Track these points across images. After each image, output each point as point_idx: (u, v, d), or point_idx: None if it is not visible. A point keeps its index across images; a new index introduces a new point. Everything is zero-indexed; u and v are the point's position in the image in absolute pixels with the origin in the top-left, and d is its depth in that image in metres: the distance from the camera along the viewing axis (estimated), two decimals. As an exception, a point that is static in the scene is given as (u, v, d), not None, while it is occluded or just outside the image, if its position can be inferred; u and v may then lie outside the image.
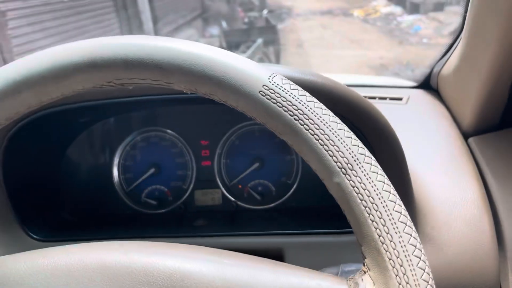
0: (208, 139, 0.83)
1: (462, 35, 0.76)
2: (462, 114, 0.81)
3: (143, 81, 0.40)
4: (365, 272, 0.39)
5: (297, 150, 0.40)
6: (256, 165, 0.81)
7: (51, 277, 0.39)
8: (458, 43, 0.84)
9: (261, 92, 0.38)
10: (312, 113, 0.39)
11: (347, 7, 8.95)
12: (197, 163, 0.83)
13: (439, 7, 6.95)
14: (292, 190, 0.81)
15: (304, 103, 0.39)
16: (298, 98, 0.39)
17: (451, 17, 6.40)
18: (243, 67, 0.39)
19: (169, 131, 0.83)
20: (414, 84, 1.04)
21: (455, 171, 0.70)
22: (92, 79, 0.40)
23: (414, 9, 7.31)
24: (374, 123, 0.58)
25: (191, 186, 0.84)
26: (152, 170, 0.83)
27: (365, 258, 0.39)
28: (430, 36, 6.27)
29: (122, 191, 0.84)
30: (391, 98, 0.95)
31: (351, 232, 0.66)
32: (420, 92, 0.98)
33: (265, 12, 6.81)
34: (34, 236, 0.73)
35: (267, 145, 0.82)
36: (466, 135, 0.79)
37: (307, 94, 0.40)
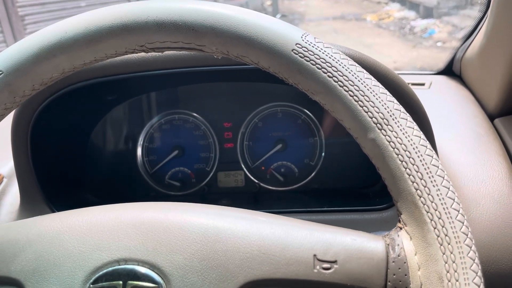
0: (231, 121, 0.83)
1: (489, 14, 0.75)
2: (488, 96, 0.80)
3: (175, 44, 0.41)
4: (400, 228, 0.39)
5: (331, 109, 0.40)
6: (279, 146, 0.81)
7: (86, 233, 0.40)
8: (481, 26, 0.84)
9: (294, 51, 0.38)
10: (346, 69, 0.39)
11: (360, 12, 8.94)
12: (220, 145, 0.84)
13: (453, 11, 6.91)
14: (315, 171, 0.81)
15: (338, 60, 0.39)
16: (332, 55, 0.39)
17: (465, 20, 6.35)
18: (275, 27, 0.39)
19: (192, 113, 0.84)
20: (435, 71, 1.03)
21: (482, 150, 0.70)
22: (125, 42, 0.41)
23: (428, 13, 7.27)
24: (403, 94, 0.58)
25: (214, 168, 0.84)
26: (175, 152, 0.84)
27: (401, 213, 0.39)
28: (444, 40, 6.23)
29: (145, 173, 0.85)
30: (413, 84, 0.94)
31: (375, 210, 0.66)
32: (442, 78, 0.97)
33: (277, 17, 6.85)
34: None
35: (290, 126, 0.82)
36: (492, 117, 0.79)
37: (340, 52, 0.40)
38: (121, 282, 0.38)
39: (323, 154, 0.81)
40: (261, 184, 0.82)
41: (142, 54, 0.62)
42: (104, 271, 0.38)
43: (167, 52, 0.62)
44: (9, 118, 0.97)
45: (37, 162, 0.69)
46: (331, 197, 0.77)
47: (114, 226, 0.40)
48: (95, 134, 0.81)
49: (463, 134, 0.74)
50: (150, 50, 0.42)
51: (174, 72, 0.65)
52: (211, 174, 0.84)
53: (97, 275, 0.38)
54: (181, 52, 0.62)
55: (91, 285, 0.38)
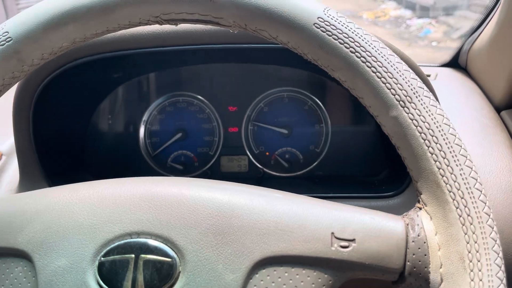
0: (236, 105, 0.82)
1: (501, 5, 0.75)
2: (495, 88, 0.80)
3: (191, 16, 0.39)
4: (420, 208, 0.39)
5: (351, 85, 0.39)
6: (284, 132, 0.80)
7: (97, 205, 0.39)
8: (491, 18, 0.83)
9: (315, 25, 0.37)
10: (369, 45, 0.38)
11: (356, 9, 8.94)
12: (224, 129, 0.83)
13: (449, 11, 6.94)
14: (320, 158, 0.81)
15: (361, 35, 0.38)
16: (355, 30, 0.38)
17: (461, 21, 6.38)
18: (296, 0, 0.38)
19: (197, 96, 0.83)
20: (440, 64, 1.03)
21: (489, 142, 0.70)
22: (139, 12, 0.40)
23: (424, 12, 7.29)
24: (418, 75, 0.57)
25: (218, 152, 0.83)
26: (179, 135, 0.82)
27: (421, 193, 0.38)
28: (439, 40, 6.25)
29: (148, 155, 0.84)
30: None
31: (381, 197, 0.65)
32: (448, 70, 0.97)
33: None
34: None
35: (296, 112, 0.81)
36: (498, 109, 0.78)
37: (362, 28, 0.39)
38: (133, 255, 0.37)
39: (328, 141, 0.80)
40: (265, 169, 0.81)
41: (152, 28, 0.61)
42: (116, 244, 0.37)
43: (177, 28, 0.61)
44: (9, 95, 0.95)
45: (38, 139, 0.68)
46: (336, 184, 0.76)
47: (126, 199, 0.39)
48: (98, 113, 0.79)
49: (470, 125, 0.74)
50: (165, 21, 0.41)
51: (182, 49, 0.64)
52: (214, 158, 0.83)
53: (108, 248, 0.37)
54: (191, 28, 0.61)
55: (102, 258, 0.37)
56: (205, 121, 0.83)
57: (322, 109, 0.80)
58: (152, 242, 0.37)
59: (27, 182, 0.71)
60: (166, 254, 0.36)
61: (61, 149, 0.74)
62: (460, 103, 0.81)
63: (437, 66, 1.02)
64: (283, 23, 0.38)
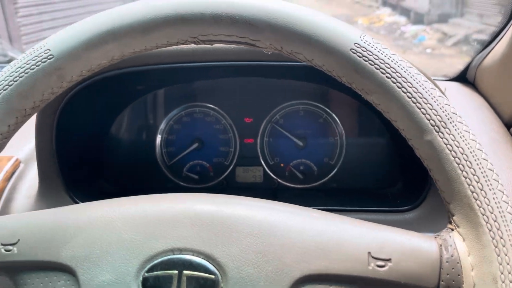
0: (252, 117, 0.83)
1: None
2: (505, 105, 0.82)
3: (229, 38, 0.41)
4: (452, 230, 0.40)
5: (385, 109, 0.41)
6: (299, 144, 0.81)
7: (139, 222, 0.40)
8: (504, 34, 0.85)
9: (352, 50, 0.39)
10: (405, 71, 0.40)
11: (352, 14, 9.01)
12: (240, 140, 0.84)
13: (443, 19, 7.01)
14: (334, 171, 0.82)
15: (397, 61, 0.40)
16: (390, 56, 0.40)
17: (455, 29, 6.45)
18: (333, 25, 0.39)
19: (214, 107, 0.84)
20: (448, 78, 1.05)
21: (499, 157, 0.71)
22: (179, 33, 0.41)
23: (418, 19, 7.37)
24: None
25: (233, 162, 0.84)
26: (195, 145, 0.83)
27: (454, 215, 0.39)
28: (434, 47, 6.32)
29: (163, 164, 0.85)
30: None
31: (397, 211, 0.67)
32: (455, 85, 0.99)
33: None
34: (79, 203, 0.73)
35: (311, 125, 0.82)
36: (508, 126, 0.80)
37: (397, 54, 0.41)
38: (176, 271, 0.37)
39: (343, 154, 0.82)
40: (280, 180, 0.83)
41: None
42: (159, 260, 0.38)
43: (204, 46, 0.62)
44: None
45: (60, 148, 0.68)
46: (351, 197, 0.78)
47: (168, 216, 0.40)
48: (117, 123, 0.80)
49: (480, 140, 0.76)
50: (201, 42, 0.42)
51: (204, 66, 0.65)
52: (230, 168, 0.84)
53: (151, 264, 0.38)
54: (221, 45, 0.62)
55: (146, 274, 0.38)
56: (221, 132, 0.84)
57: (337, 122, 0.82)
58: (195, 259, 0.38)
59: (46, 189, 0.71)
60: (208, 271, 0.37)
61: (80, 158, 0.75)
62: (469, 117, 0.83)
63: (445, 80, 1.04)
64: (319, 48, 0.39)
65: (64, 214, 0.42)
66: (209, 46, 0.62)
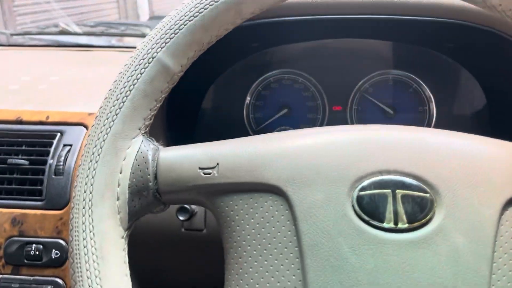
0: (341, 85, 0.84)
1: None
2: None
3: None
4: None
5: None
6: (389, 112, 0.82)
7: (341, 146, 0.40)
8: None
9: None
10: None
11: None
12: (329, 107, 0.84)
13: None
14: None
15: None
16: None
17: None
18: None
19: (302, 73, 0.84)
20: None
21: None
22: None
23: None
24: None
25: (321, 129, 0.84)
26: (284, 111, 0.83)
27: None
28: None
29: (251, 129, 0.84)
30: None
31: None
32: None
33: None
34: None
35: (401, 95, 0.83)
36: None
37: None
38: (389, 190, 0.38)
39: (432, 125, 0.83)
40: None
41: None
42: (370, 180, 0.38)
43: None
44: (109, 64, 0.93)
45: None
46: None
47: (369, 141, 0.40)
48: (217, 82, 0.79)
49: None
50: None
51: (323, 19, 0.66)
52: (317, 135, 0.84)
53: (363, 184, 0.38)
54: None
55: (360, 192, 0.38)
56: (309, 99, 0.84)
57: (427, 92, 0.82)
58: (406, 179, 0.38)
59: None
60: (422, 190, 0.38)
61: (178, 113, 0.74)
62: None
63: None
64: None
65: (260, 141, 0.42)
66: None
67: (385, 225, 0.37)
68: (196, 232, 0.64)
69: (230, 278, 0.39)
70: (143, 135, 0.42)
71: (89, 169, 0.39)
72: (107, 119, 0.40)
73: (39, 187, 0.63)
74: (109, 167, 0.40)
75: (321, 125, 0.85)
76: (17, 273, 0.60)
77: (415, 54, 0.82)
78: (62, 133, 0.66)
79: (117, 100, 0.40)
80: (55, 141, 0.65)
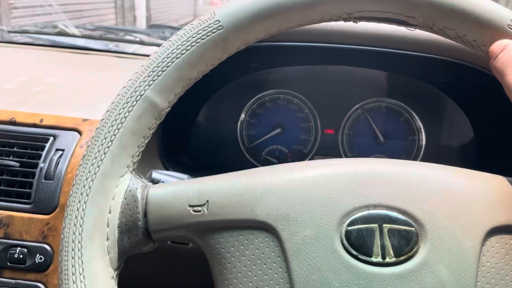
0: (335, 108, 0.85)
1: None
2: None
3: (384, 14, 0.42)
4: None
5: None
6: (380, 139, 0.84)
7: (328, 181, 0.41)
8: None
9: (508, 26, 0.41)
10: None
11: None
12: (322, 129, 0.85)
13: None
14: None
15: None
16: None
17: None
18: (488, 4, 0.42)
19: (297, 94, 0.85)
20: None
21: None
22: (336, 9, 0.42)
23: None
24: None
25: (312, 151, 0.85)
26: (278, 130, 0.84)
27: None
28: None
29: (243, 146, 0.85)
30: None
31: None
32: None
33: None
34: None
35: (392, 123, 0.85)
36: None
37: None
38: (376, 225, 0.38)
39: (420, 154, 0.84)
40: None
41: None
42: (358, 215, 0.39)
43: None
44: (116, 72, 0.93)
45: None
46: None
47: (354, 175, 0.41)
48: (213, 98, 0.80)
49: None
50: (354, 19, 0.43)
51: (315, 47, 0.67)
52: (309, 157, 0.85)
53: (351, 218, 0.39)
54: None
55: (348, 227, 0.38)
56: (303, 120, 0.86)
57: (418, 122, 0.84)
58: (391, 213, 0.39)
59: (145, 160, 0.70)
60: (407, 224, 0.38)
61: (172, 132, 0.74)
62: None
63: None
64: (476, 24, 0.41)
65: (248, 177, 0.42)
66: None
67: (373, 259, 0.37)
68: (181, 246, 0.64)
69: None
70: (131, 173, 0.42)
71: (77, 210, 0.39)
72: (95, 158, 0.40)
73: (28, 190, 0.62)
74: (98, 207, 0.39)
75: (313, 147, 0.86)
76: None
77: (409, 85, 0.84)
78: (55, 137, 0.65)
79: (105, 139, 0.40)
80: (47, 145, 0.64)
